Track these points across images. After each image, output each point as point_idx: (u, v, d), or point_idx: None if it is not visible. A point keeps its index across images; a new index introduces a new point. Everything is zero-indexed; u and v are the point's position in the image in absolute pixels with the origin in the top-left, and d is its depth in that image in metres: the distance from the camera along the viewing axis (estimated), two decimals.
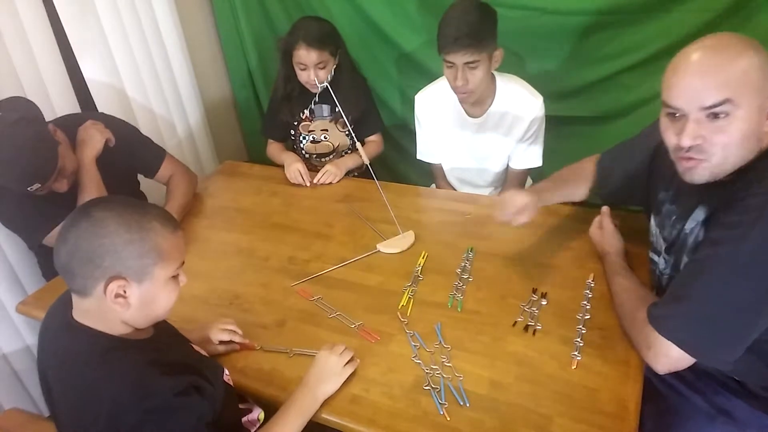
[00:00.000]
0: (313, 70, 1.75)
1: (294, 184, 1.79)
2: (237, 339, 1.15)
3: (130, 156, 1.62)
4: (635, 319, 1.03)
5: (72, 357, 0.85)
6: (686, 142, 0.88)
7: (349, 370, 1.05)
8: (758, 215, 0.85)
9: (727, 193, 0.92)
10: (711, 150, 0.88)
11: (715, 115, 0.86)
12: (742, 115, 0.85)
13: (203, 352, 1.06)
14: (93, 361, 0.83)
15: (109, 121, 1.61)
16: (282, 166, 1.85)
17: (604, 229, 1.29)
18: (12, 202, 1.38)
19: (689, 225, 1.01)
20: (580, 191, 1.35)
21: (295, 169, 1.79)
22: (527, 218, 1.23)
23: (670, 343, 0.93)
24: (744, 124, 0.85)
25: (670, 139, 0.93)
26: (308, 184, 1.78)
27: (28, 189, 1.27)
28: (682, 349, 0.92)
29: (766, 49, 1.58)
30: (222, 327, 1.15)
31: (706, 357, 0.93)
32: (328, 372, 1.03)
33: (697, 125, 0.87)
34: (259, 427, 1.04)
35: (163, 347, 0.93)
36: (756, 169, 0.90)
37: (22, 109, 1.30)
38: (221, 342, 1.14)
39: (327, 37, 1.76)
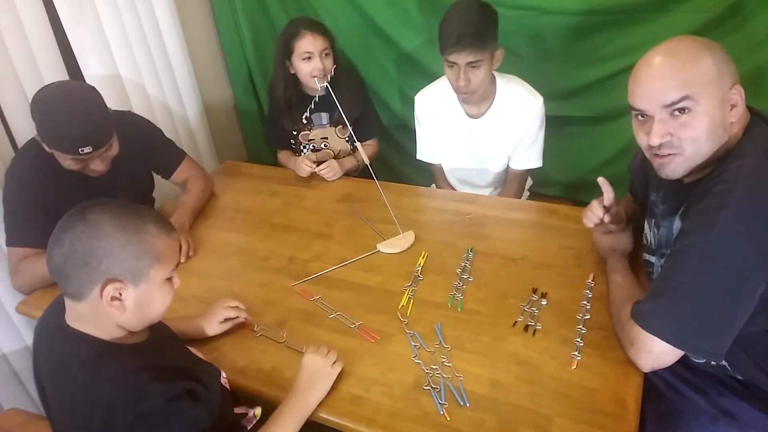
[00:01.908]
0: (319, 58, 1.75)
1: (294, 184, 1.80)
2: (243, 315, 1.20)
3: (149, 155, 1.64)
4: (620, 315, 1.04)
5: (65, 362, 0.84)
6: (655, 140, 0.94)
7: (337, 369, 1.05)
8: (723, 201, 0.87)
9: (702, 185, 0.94)
10: (681, 144, 0.94)
11: (678, 112, 0.92)
12: (704, 109, 0.91)
13: (200, 355, 1.06)
14: (86, 366, 0.82)
15: (134, 120, 1.64)
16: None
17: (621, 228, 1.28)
18: (25, 199, 1.38)
19: (676, 222, 1.02)
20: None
21: (302, 168, 1.79)
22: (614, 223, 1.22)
23: (653, 338, 0.93)
24: (707, 117, 0.91)
25: (641, 139, 0.99)
26: (315, 168, 1.79)
27: (80, 150, 1.28)
28: (666, 342, 0.92)
29: (762, 54, 1.59)
30: (228, 305, 1.19)
31: (691, 348, 0.93)
32: (318, 375, 1.03)
33: (663, 124, 0.94)
34: (254, 427, 1.04)
35: (158, 351, 0.93)
36: (727, 161, 0.93)
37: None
38: (227, 320, 1.18)
39: (326, 27, 1.80)
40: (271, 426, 0.97)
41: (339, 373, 1.05)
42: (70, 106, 1.27)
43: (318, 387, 1.02)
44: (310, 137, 1.97)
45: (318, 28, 1.77)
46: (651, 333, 0.93)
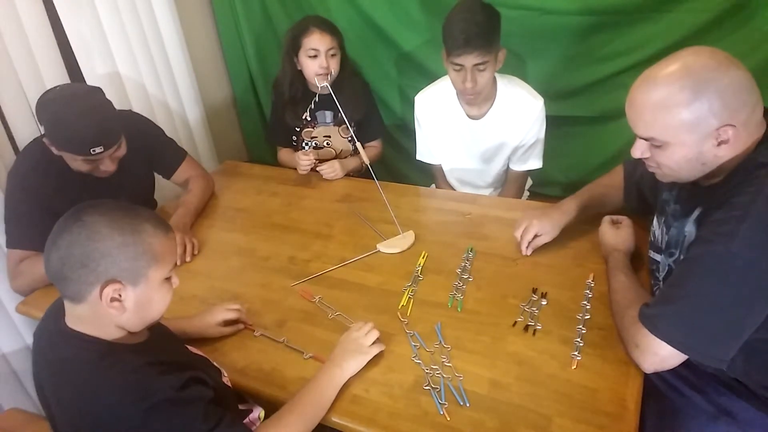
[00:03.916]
0: (324, 56, 1.75)
1: (294, 184, 1.80)
2: (243, 318, 1.21)
3: (151, 154, 1.64)
4: (625, 316, 1.04)
5: (67, 365, 0.84)
6: (634, 154, 1.01)
7: (375, 350, 1.07)
8: (745, 212, 0.87)
9: (720, 193, 0.94)
10: (657, 165, 0.99)
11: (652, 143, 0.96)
12: (675, 148, 0.93)
13: (200, 353, 1.06)
14: (88, 368, 0.82)
15: (135, 119, 1.64)
16: (294, 170, 1.85)
17: (621, 226, 1.28)
18: (27, 201, 1.37)
19: (689, 225, 1.02)
20: (614, 199, 1.35)
21: (302, 160, 1.78)
22: (542, 242, 1.31)
23: (660, 341, 0.93)
24: (678, 155, 0.94)
25: None
26: (313, 160, 1.78)
27: (91, 151, 1.28)
28: (674, 347, 0.92)
29: (763, 54, 1.58)
30: (228, 308, 1.19)
31: (700, 355, 0.93)
32: (352, 349, 1.06)
33: (640, 143, 0.99)
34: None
35: (159, 350, 0.92)
36: (744, 170, 0.92)
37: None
38: (227, 323, 1.18)
39: (336, 27, 1.80)
40: (306, 392, 0.98)
41: None
42: (80, 108, 1.27)
43: (350, 360, 1.04)
44: (313, 134, 1.97)
45: (327, 26, 1.76)
46: (659, 337, 0.93)
